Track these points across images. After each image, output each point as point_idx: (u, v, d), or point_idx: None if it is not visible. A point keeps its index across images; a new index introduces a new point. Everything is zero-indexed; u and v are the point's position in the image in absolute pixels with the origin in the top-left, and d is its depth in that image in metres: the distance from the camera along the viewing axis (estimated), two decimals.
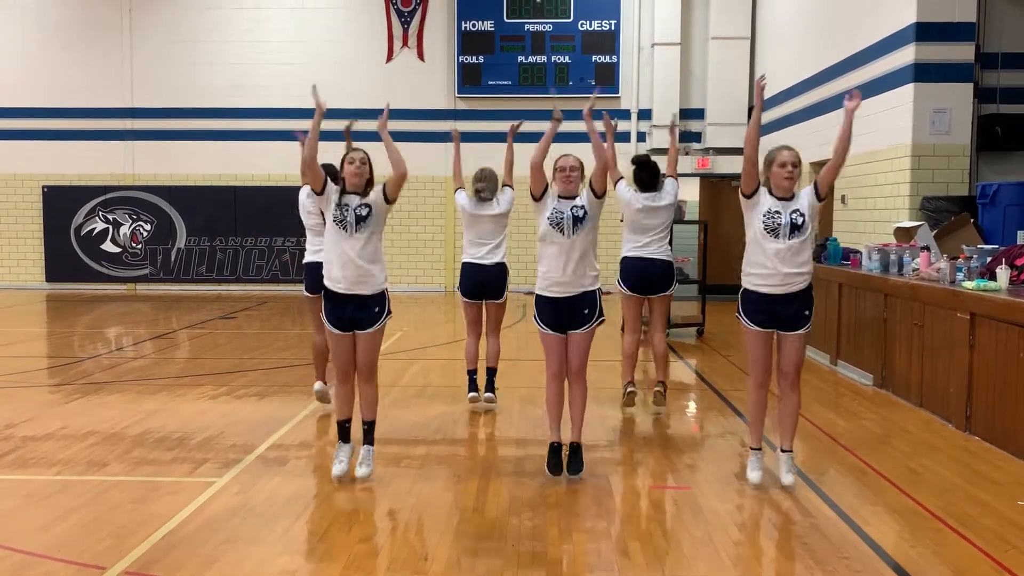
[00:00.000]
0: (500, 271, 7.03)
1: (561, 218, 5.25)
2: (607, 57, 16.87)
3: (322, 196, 5.21)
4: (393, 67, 17.19)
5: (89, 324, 13.04)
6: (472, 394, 7.19)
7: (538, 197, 5.36)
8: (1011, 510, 4.85)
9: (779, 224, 4.98)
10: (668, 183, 6.91)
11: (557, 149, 5.82)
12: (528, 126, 18.47)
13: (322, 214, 6.41)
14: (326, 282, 5.26)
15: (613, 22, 16.85)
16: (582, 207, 5.30)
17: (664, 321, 7.07)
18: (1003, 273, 6.49)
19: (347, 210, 5.14)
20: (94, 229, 17.51)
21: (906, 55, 9.40)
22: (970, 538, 4.44)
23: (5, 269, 17.76)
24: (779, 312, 5.09)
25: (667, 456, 5.98)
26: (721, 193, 16.84)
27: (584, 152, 5.43)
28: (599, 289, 5.41)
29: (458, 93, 17.07)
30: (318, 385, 7.08)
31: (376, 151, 5.41)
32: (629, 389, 7.00)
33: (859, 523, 4.66)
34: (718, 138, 16.61)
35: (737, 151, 16.56)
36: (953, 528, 4.58)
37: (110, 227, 17.50)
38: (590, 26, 16.86)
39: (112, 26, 17.28)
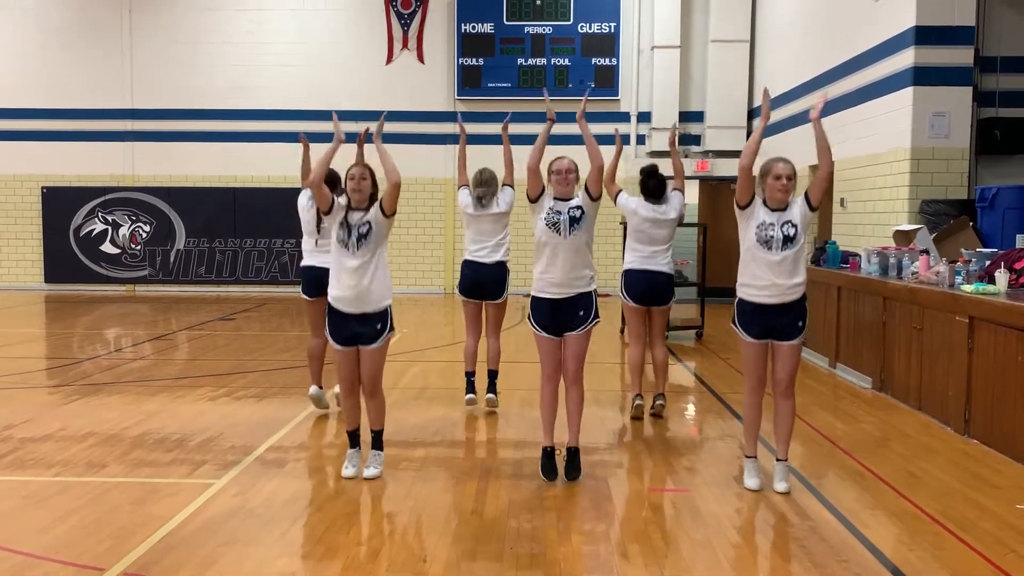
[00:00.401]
0: (499, 270, 7.03)
1: (558, 219, 5.26)
2: (607, 60, 16.89)
3: (329, 215, 5.20)
4: (393, 69, 17.20)
5: (88, 325, 13.04)
6: (469, 396, 7.18)
7: (534, 199, 5.37)
8: (1010, 514, 4.86)
9: (772, 236, 5.02)
10: (675, 196, 6.91)
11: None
12: (528, 128, 18.51)
13: (319, 223, 6.44)
14: (330, 299, 5.28)
15: (613, 24, 16.87)
16: (579, 208, 5.31)
17: (663, 331, 7.14)
18: (1002, 277, 6.49)
19: (350, 229, 5.16)
20: (93, 230, 17.50)
21: (905, 58, 9.41)
22: (969, 542, 4.44)
23: (4, 270, 17.76)
24: (774, 322, 5.12)
25: (666, 459, 5.98)
26: (720, 196, 16.85)
27: (581, 154, 5.42)
28: (595, 290, 5.42)
29: (458, 95, 17.09)
30: (313, 389, 7.05)
31: (373, 152, 5.43)
32: (637, 402, 6.99)
33: (858, 526, 4.66)
34: (717, 141, 16.62)
35: (737, 154, 16.58)
36: (952, 532, 4.58)
37: (109, 228, 17.50)
38: (590, 28, 16.88)
39: (112, 27, 17.29)
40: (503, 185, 7.11)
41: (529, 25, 16.87)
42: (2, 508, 4.87)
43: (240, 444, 6.18)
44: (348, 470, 5.43)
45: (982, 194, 8.65)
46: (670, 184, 7.02)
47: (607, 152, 5.75)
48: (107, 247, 17.53)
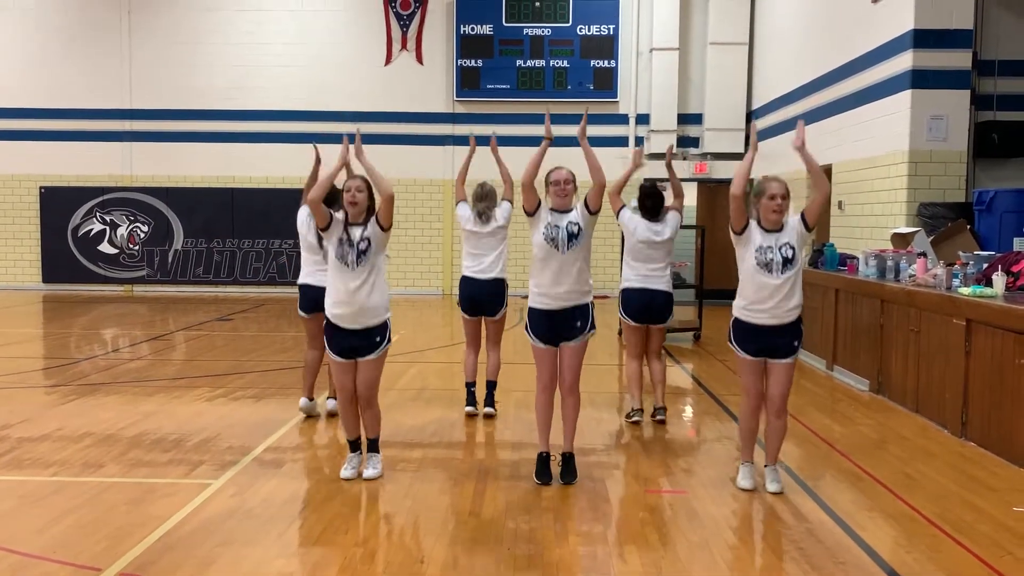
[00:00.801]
0: (497, 286, 7.00)
1: (556, 233, 5.24)
2: (606, 62, 16.91)
3: (327, 231, 5.18)
4: (392, 70, 17.21)
5: (86, 325, 13.03)
6: (469, 408, 7.15)
7: (531, 213, 5.34)
8: (1006, 516, 4.86)
9: (771, 259, 5.01)
10: (672, 216, 6.90)
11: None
12: (526, 129, 18.58)
13: (320, 240, 6.40)
14: (328, 314, 5.25)
15: (612, 27, 16.89)
16: (576, 223, 5.29)
17: (660, 347, 7.17)
18: (999, 279, 6.50)
19: (348, 245, 5.13)
20: (91, 230, 17.49)
21: (903, 61, 9.43)
22: (966, 544, 4.45)
23: (2, 269, 17.74)
24: (770, 342, 5.14)
25: (663, 460, 5.99)
26: (718, 198, 16.87)
27: (582, 158, 5.42)
28: (592, 302, 5.40)
29: (456, 96, 17.09)
30: (303, 401, 7.01)
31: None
32: (635, 419, 6.98)
33: (855, 528, 4.67)
34: (716, 143, 16.64)
35: (736, 156, 16.62)
36: (949, 534, 4.59)
37: (107, 228, 17.48)
38: (589, 31, 16.89)
39: (111, 27, 17.29)
40: (502, 199, 7.10)
41: (528, 27, 16.89)
42: None
43: (238, 444, 6.18)
44: (347, 471, 5.44)
45: (980, 197, 8.67)
46: (668, 197, 7.03)
47: (598, 153, 5.71)
48: (105, 247, 17.52)
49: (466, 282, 7.03)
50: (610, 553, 4.33)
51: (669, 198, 7.07)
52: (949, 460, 5.99)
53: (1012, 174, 9.48)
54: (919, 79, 9.27)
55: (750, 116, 16.55)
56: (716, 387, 8.56)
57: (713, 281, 13.10)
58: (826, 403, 7.87)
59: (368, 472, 5.41)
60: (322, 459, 6.01)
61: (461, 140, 17.27)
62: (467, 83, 17.01)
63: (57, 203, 17.41)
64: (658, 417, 7.01)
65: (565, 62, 16.92)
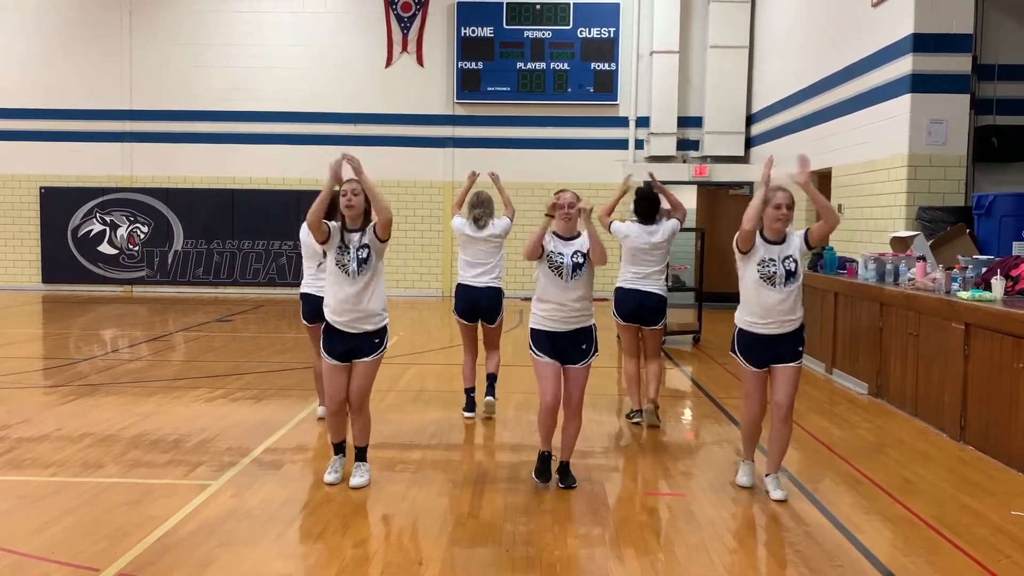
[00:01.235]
0: (494, 294, 7.03)
1: (560, 263, 5.20)
2: (606, 64, 16.92)
3: (327, 243, 5.16)
4: (392, 72, 17.23)
5: (85, 326, 13.02)
6: (469, 414, 7.15)
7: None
8: (1004, 520, 4.87)
9: (774, 273, 5.02)
10: (670, 223, 6.90)
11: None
12: (526, 131, 18.52)
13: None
14: (328, 317, 5.22)
15: (612, 30, 16.90)
16: (582, 253, 5.24)
17: (657, 352, 7.11)
18: (998, 284, 6.51)
19: (348, 253, 5.10)
20: (91, 231, 17.49)
21: (903, 66, 9.44)
22: (963, 547, 4.45)
23: (2, 270, 17.73)
24: (774, 350, 5.16)
25: (662, 463, 5.99)
26: (718, 201, 16.88)
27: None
28: (594, 324, 5.37)
29: (457, 99, 17.11)
30: (321, 410, 7.03)
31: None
32: (635, 420, 7.01)
33: (853, 531, 4.67)
34: (716, 146, 16.65)
35: (735, 159, 16.65)
36: (946, 537, 4.60)
37: (107, 229, 17.49)
38: (589, 33, 16.91)
39: (112, 28, 17.30)
40: (501, 216, 7.10)
41: (528, 29, 16.91)
42: None
43: (237, 446, 6.18)
44: (331, 475, 5.36)
45: (979, 201, 8.68)
46: (665, 205, 7.03)
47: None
48: (105, 248, 17.52)
49: (462, 289, 7.07)
50: (608, 555, 4.33)
51: (666, 203, 7.06)
52: (947, 464, 5.99)
53: (1011, 178, 9.49)
54: (919, 83, 9.29)
55: (750, 119, 16.57)
56: (715, 390, 8.57)
57: (713, 284, 13.11)
58: (825, 406, 7.88)
59: (356, 480, 5.32)
60: (321, 460, 5.99)
61: (461, 142, 17.29)
62: (467, 85, 17.03)
63: (57, 203, 17.41)
64: (647, 408, 6.95)
65: (565, 65, 16.94)
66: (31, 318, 14.01)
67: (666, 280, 7.09)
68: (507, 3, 16.86)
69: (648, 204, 6.89)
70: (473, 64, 16.98)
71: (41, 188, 17.47)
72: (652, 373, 7.06)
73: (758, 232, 5.12)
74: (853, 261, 9.26)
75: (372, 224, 5.20)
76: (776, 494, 5.16)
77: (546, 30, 16.90)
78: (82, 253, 17.52)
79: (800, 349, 5.20)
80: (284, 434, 6.56)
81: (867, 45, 10.44)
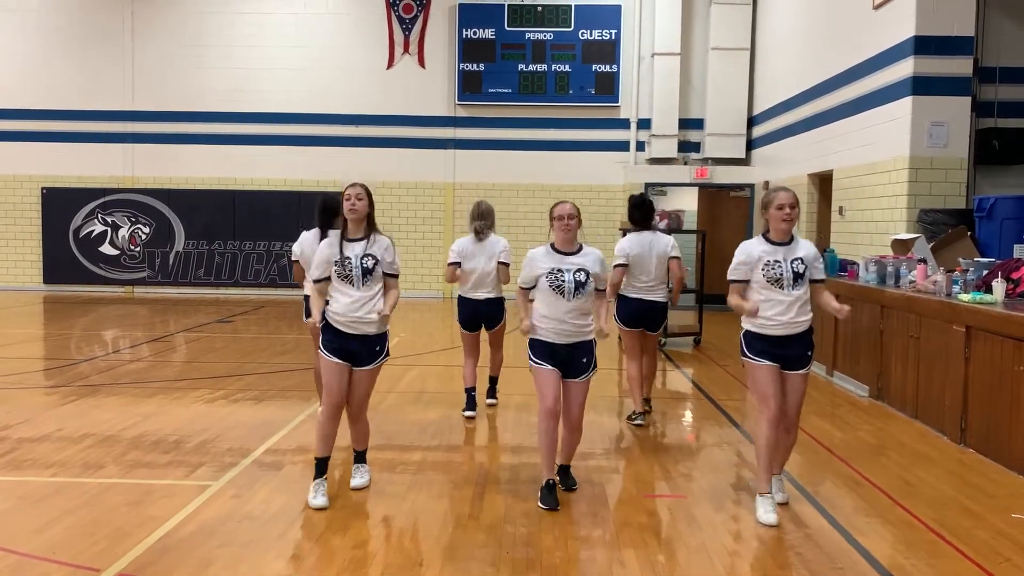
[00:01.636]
0: (495, 305, 7.13)
1: (561, 282, 5.06)
2: (607, 66, 16.93)
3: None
4: (394, 73, 17.24)
5: (86, 326, 13.03)
6: (469, 413, 7.17)
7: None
8: (1005, 523, 4.87)
9: (781, 274, 4.93)
10: (666, 238, 6.98)
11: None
12: (526, 133, 18.52)
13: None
14: (331, 320, 5.10)
15: (613, 32, 16.91)
16: (584, 271, 5.11)
17: (655, 351, 7.36)
18: (999, 286, 6.51)
19: (349, 264, 4.98)
20: (93, 231, 17.51)
21: (905, 68, 9.44)
22: (964, 550, 4.45)
23: (3, 270, 17.75)
24: (783, 351, 5.01)
25: (662, 465, 5.99)
26: (719, 203, 16.88)
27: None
28: (595, 339, 5.26)
29: (458, 100, 17.12)
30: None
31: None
32: (637, 422, 7.06)
33: (853, 534, 4.67)
34: (717, 148, 16.66)
35: (736, 161, 16.65)
36: (947, 540, 4.59)
37: (109, 230, 17.50)
38: (591, 35, 16.92)
39: (114, 29, 17.32)
40: (502, 239, 7.08)
41: (530, 31, 16.92)
42: None
43: (237, 446, 6.18)
44: (318, 499, 4.99)
45: (980, 204, 8.68)
46: (657, 205, 7.12)
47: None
48: (106, 248, 17.54)
49: (463, 302, 7.15)
50: (609, 557, 4.33)
51: (658, 205, 7.15)
52: (948, 466, 5.99)
53: (1013, 181, 9.49)
54: (920, 85, 9.28)
55: (751, 121, 16.57)
56: (716, 392, 8.56)
57: (714, 286, 13.09)
58: (826, 409, 7.87)
59: (356, 481, 5.31)
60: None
61: (462, 143, 17.30)
62: (469, 87, 17.04)
63: (58, 204, 17.42)
64: (643, 408, 7.15)
65: (567, 66, 16.94)
66: (32, 318, 14.02)
67: (668, 286, 7.14)
68: (508, 5, 16.87)
69: (643, 211, 7.00)
70: (474, 66, 16.99)
71: (43, 189, 17.49)
72: (647, 371, 7.26)
73: (763, 234, 5.09)
74: (854, 263, 9.26)
75: (390, 246, 5.12)
76: (777, 496, 5.15)
77: (547, 32, 16.91)
78: (83, 254, 17.53)
79: (810, 354, 5.08)
80: (285, 435, 6.56)
81: (868, 47, 10.45)
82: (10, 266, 17.73)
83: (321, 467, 5.11)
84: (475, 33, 16.94)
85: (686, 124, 16.98)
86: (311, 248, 6.41)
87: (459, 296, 7.20)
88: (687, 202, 16.84)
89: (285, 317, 14.03)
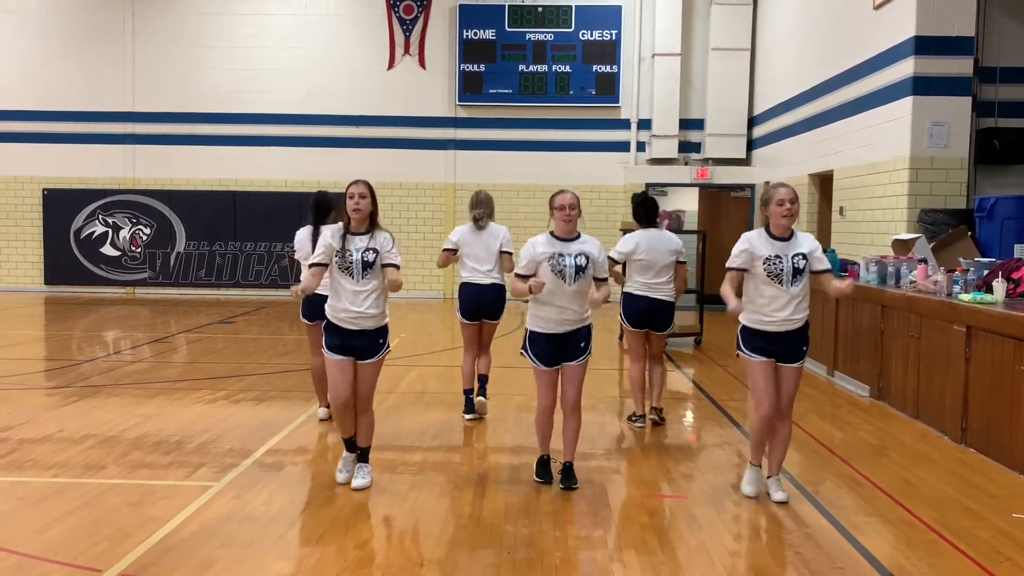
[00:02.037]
0: (498, 292, 7.07)
1: (563, 266, 5.15)
2: (608, 67, 16.94)
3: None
4: (394, 74, 17.25)
5: (87, 327, 13.04)
6: (468, 416, 7.16)
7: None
8: (1006, 522, 4.87)
9: (782, 270, 4.95)
10: (673, 237, 6.96)
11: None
12: (528, 134, 18.53)
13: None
14: (330, 316, 5.17)
15: (614, 32, 16.92)
16: (585, 255, 5.19)
17: (661, 354, 7.25)
18: (999, 286, 6.51)
19: (351, 256, 5.05)
20: (94, 232, 17.52)
21: (905, 68, 9.45)
22: (965, 550, 4.45)
23: (4, 271, 17.76)
24: (779, 346, 5.08)
25: (663, 465, 5.99)
26: (720, 203, 16.88)
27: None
28: (592, 323, 5.37)
29: (459, 101, 17.13)
30: (322, 411, 7.04)
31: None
32: (639, 424, 7.03)
33: (854, 534, 4.67)
34: (717, 149, 16.67)
35: (736, 161, 16.66)
36: (948, 540, 4.59)
37: (110, 231, 17.51)
38: (591, 36, 16.93)
39: (114, 30, 17.34)
40: (502, 226, 7.09)
41: (530, 32, 16.93)
42: (0, 509, 4.88)
43: (238, 447, 6.19)
44: (342, 474, 5.40)
45: (980, 204, 8.68)
46: (662, 204, 7.06)
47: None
48: (107, 249, 17.55)
49: (466, 288, 7.07)
50: (610, 558, 4.33)
51: (667, 204, 7.10)
52: (949, 466, 5.99)
53: (1013, 181, 9.49)
54: (921, 86, 9.29)
55: (752, 122, 16.58)
56: (717, 392, 8.56)
57: (714, 286, 13.06)
58: (826, 409, 7.88)
59: (357, 482, 5.31)
60: (323, 462, 6.01)
61: (463, 144, 17.31)
62: (469, 87, 17.05)
63: (60, 205, 17.44)
64: (652, 417, 7.10)
65: (567, 67, 16.95)
66: (33, 319, 14.03)
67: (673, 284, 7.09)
68: (509, 5, 16.88)
69: (647, 208, 6.94)
70: (475, 66, 17.00)
71: (44, 190, 17.50)
72: (656, 379, 7.14)
73: (764, 228, 5.10)
74: (855, 263, 9.26)
75: (390, 239, 5.17)
76: (777, 496, 5.16)
77: (548, 32, 16.92)
78: (84, 255, 17.54)
79: (804, 349, 5.15)
80: (285, 436, 6.57)
81: (869, 48, 10.45)
82: (11, 267, 17.75)
83: (350, 445, 5.42)
84: (475, 34, 16.96)
85: (686, 124, 16.98)
86: (304, 246, 6.44)
87: (461, 284, 7.10)
88: (687, 202, 16.84)
89: (286, 318, 14.04)
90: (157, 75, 17.36)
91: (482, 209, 7.02)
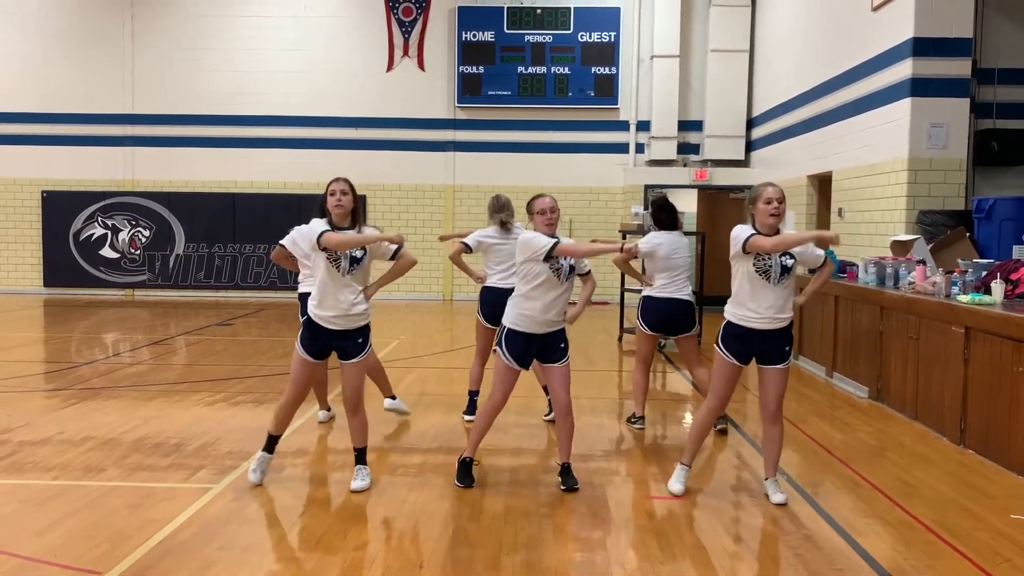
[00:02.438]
0: None
1: (560, 266, 5.23)
2: (606, 69, 16.96)
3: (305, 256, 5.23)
4: (393, 76, 17.26)
5: (86, 329, 13.04)
6: (469, 417, 7.12)
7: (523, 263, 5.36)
8: (1004, 523, 4.87)
9: (770, 267, 4.98)
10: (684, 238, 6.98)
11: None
12: (526, 135, 18.54)
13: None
14: (313, 314, 5.15)
15: (613, 34, 16.94)
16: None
17: (699, 356, 7.03)
18: (998, 287, 6.52)
19: (338, 253, 5.07)
20: (93, 234, 17.53)
21: (903, 70, 9.46)
22: (963, 551, 4.46)
23: (3, 273, 17.76)
24: (761, 347, 5.09)
25: (662, 466, 5.99)
26: (719, 204, 16.89)
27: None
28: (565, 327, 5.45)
29: (458, 103, 17.14)
30: (321, 414, 7.05)
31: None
32: (638, 426, 7.00)
33: (853, 535, 4.68)
34: (716, 150, 16.68)
35: (735, 163, 16.67)
36: (947, 541, 4.60)
37: (109, 233, 17.52)
38: (590, 38, 16.95)
39: (113, 32, 17.35)
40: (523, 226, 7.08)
41: (529, 34, 16.95)
42: (0, 511, 4.89)
43: (238, 449, 6.19)
44: (255, 475, 5.35)
45: (979, 205, 8.69)
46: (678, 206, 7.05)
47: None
48: (106, 251, 17.55)
49: (488, 292, 6.89)
50: (609, 559, 4.34)
51: (680, 204, 7.06)
52: (947, 467, 6.00)
53: (1012, 182, 9.51)
54: (919, 87, 9.30)
55: (751, 123, 16.60)
56: None
57: (713, 287, 13.10)
58: (825, 410, 7.88)
59: (356, 484, 5.31)
60: (322, 464, 6.02)
61: (462, 146, 17.33)
62: (468, 89, 17.06)
63: (59, 207, 17.44)
64: (719, 426, 6.82)
65: (566, 69, 16.97)
66: (33, 322, 14.03)
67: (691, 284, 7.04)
68: (508, 7, 16.90)
69: (668, 212, 6.93)
70: (474, 68, 17.02)
71: (43, 192, 17.51)
72: (705, 382, 6.63)
73: (751, 227, 5.11)
74: (853, 265, 9.27)
75: (396, 247, 5.21)
76: (776, 497, 5.16)
77: (547, 34, 16.94)
78: (84, 257, 17.55)
79: (787, 349, 5.15)
80: (285, 438, 6.52)
81: (867, 49, 10.46)
82: (10, 269, 17.75)
83: (271, 443, 5.45)
84: (474, 35, 16.97)
85: (685, 126, 17.00)
86: (301, 242, 6.44)
87: (483, 288, 6.94)
88: (686, 204, 16.83)
89: (285, 320, 14.04)
90: (156, 77, 17.37)
91: (507, 213, 6.92)
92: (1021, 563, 4.33)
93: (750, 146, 16.65)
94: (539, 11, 16.92)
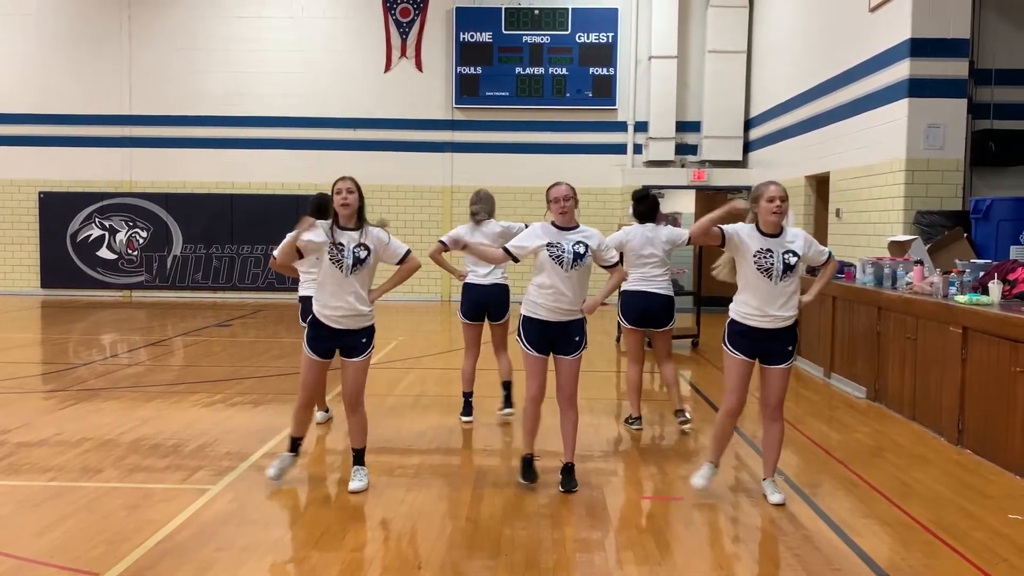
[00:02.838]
0: (501, 292, 7.05)
1: (561, 252, 5.20)
2: (604, 69, 16.96)
3: (305, 257, 5.17)
4: (391, 77, 17.26)
5: (84, 330, 13.03)
6: (467, 419, 7.13)
7: (522, 258, 5.37)
8: (1002, 523, 4.88)
9: (771, 264, 4.97)
10: (675, 230, 6.93)
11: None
12: (524, 136, 18.55)
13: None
14: (319, 313, 5.17)
15: (611, 35, 16.95)
16: (583, 243, 5.25)
17: (669, 352, 7.06)
18: (995, 288, 6.52)
19: (343, 249, 5.08)
20: (90, 235, 17.51)
21: (901, 70, 9.47)
22: (961, 551, 4.46)
23: (1, 275, 17.74)
24: (765, 345, 5.08)
25: (661, 467, 6.00)
26: (717, 205, 16.80)
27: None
28: (585, 317, 5.41)
29: (456, 104, 17.14)
30: (320, 415, 7.05)
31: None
32: (636, 427, 6.99)
33: (851, 535, 4.68)
34: (714, 151, 16.69)
35: (733, 163, 16.68)
36: (944, 541, 4.60)
37: (106, 234, 17.50)
38: (588, 39, 16.95)
39: (111, 33, 17.34)
40: (503, 221, 7.09)
41: (527, 35, 16.95)
42: None
43: (235, 450, 6.18)
44: (274, 470, 5.40)
45: (976, 205, 8.70)
46: (663, 205, 7.01)
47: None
48: (104, 252, 17.53)
49: (468, 288, 7.05)
50: (607, 560, 4.34)
51: (664, 206, 7.06)
52: (945, 467, 6.00)
53: (1009, 182, 9.52)
54: (916, 88, 9.31)
55: (748, 124, 16.61)
56: (714, 394, 8.57)
57: (711, 288, 13.09)
58: (823, 411, 7.89)
59: (354, 485, 5.30)
60: (320, 465, 6.01)
61: (460, 147, 17.33)
62: (466, 90, 17.06)
63: (56, 208, 17.42)
64: (680, 419, 6.90)
65: (564, 70, 16.97)
66: (30, 323, 14.01)
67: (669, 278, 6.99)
68: (505, 8, 16.91)
69: (647, 205, 6.93)
70: (472, 69, 17.02)
71: (40, 193, 17.49)
72: (669, 378, 6.97)
73: (753, 226, 5.10)
74: (851, 265, 9.28)
75: (386, 235, 5.21)
76: (774, 498, 5.16)
77: (545, 35, 16.94)
78: (81, 258, 17.53)
79: (791, 348, 5.14)
80: (283, 439, 6.53)
81: (865, 50, 10.47)
82: (8, 270, 17.72)
83: (294, 444, 5.50)
84: (472, 36, 16.97)
85: (683, 127, 17.01)
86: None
87: (464, 284, 7.07)
88: (684, 205, 16.86)
89: (283, 321, 14.03)
90: (154, 78, 17.36)
91: (480, 205, 7.00)
92: (1019, 563, 4.34)
93: (748, 147, 16.66)
94: (537, 12, 16.93)
